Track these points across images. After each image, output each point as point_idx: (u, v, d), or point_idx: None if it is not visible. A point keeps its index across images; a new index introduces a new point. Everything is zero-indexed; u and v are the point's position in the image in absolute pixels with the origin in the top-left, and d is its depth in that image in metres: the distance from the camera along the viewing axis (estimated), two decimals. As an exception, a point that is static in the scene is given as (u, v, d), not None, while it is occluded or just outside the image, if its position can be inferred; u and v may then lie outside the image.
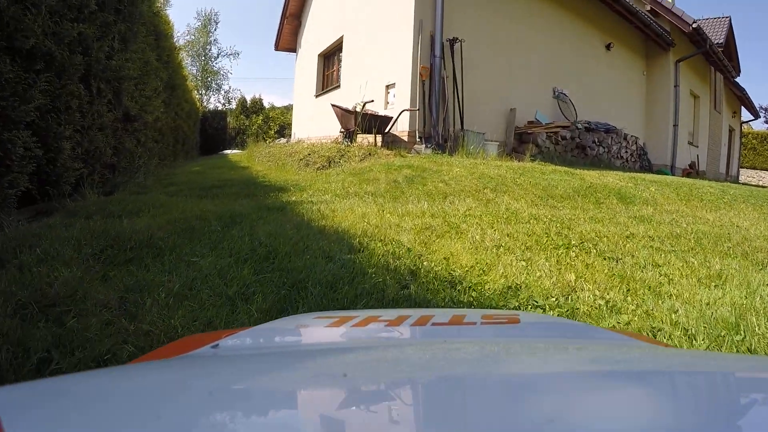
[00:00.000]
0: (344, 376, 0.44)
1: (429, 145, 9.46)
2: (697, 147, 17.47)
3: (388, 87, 10.64)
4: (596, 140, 12.18)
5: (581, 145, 12.28)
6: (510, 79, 11.67)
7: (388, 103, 10.66)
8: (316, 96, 15.34)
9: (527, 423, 0.35)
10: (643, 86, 15.56)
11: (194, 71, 31.91)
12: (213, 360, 0.62)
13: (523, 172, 7.98)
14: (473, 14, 10.65)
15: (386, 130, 9.60)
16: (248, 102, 31.52)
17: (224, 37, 75.64)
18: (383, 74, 10.54)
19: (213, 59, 33.14)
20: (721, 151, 21.21)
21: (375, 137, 9.41)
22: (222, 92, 33.38)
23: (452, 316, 0.85)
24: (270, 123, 27.73)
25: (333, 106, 9.92)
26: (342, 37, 13.49)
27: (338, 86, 13.58)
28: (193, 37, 32.43)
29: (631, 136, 13.56)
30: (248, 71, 79.85)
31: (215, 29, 33.64)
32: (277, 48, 19.08)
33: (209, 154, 21.75)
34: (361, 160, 8.21)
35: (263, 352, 0.68)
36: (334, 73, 14.79)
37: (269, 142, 17.23)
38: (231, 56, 34.90)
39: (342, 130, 9.73)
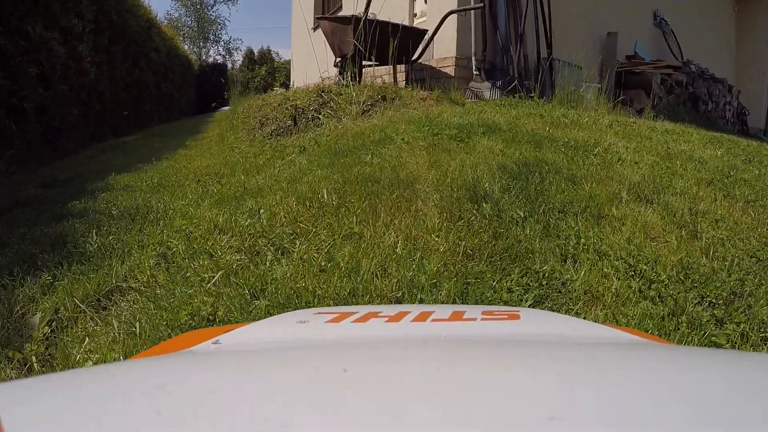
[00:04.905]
0: (344, 372, 0.41)
1: (496, 83, 4.68)
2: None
3: (415, -14, 5.77)
4: (707, 91, 8.32)
5: (695, 95, 8.06)
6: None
7: (415, 15, 5.80)
8: (314, 28, 10.38)
9: (529, 419, 0.32)
10: (732, 26, 10.67)
11: (189, 22, 26.67)
12: (214, 356, 0.57)
13: (730, 149, 3.39)
14: None
15: (415, 57, 4.84)
16: (256, 54, 26.65)
17: None
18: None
19: (209, 8, 27.55)
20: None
21: (394, 68, 4.67)
22: (222, 43, 28.13)
23: (452, 312, 0.77)
24: (276, 74, 22.93)
25: (319, 20, 5.14)
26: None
27: (340, 7, 8.70)
28: None
29: (736, 89, 9.20)
30: (258, 20, 71.54)
31: None
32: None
33: (207, 112, 17.85)
34: (362, 113, 3.57)
35: (264, 348, 0.62)
36: (337, -6, 9.85)
37: (259, 95, 12.48)
38: (229, 2, 29.08)
39: (337, 59, 4.95)
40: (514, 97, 4.48)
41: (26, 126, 5.12)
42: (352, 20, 4.34)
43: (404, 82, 4.95)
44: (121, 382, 0.44)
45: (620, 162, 2.81)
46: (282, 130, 4.03)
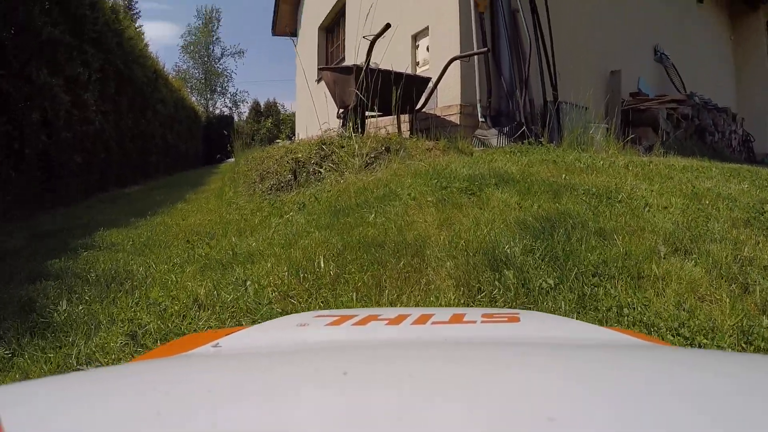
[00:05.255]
0: (344, 375, 0.40)
1: (502, 130, 4.49)
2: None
3: (416, 37, 5.73)
4: (712, 122, 8.24)
5: (701, 127, 7.90)
6: (602, 28, 6.72)
7: (417, 64, 5.72)
8: (318, 80, 10.47)
9: (528, 420, 0.31)
10: (729, 54, 10.70)
11: (197, 74, 27.33)
12: (213, 359, 0.57)
13: (754, 182, 3.09)
14: None
15: (419, 105, 4.69)
16: (262, 106, 27.21)
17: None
18: (407, 18, 5.61)
19: (216, 60, 28.26)
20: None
21: (398, 118, 4.50)
22: (228, 95, 28.69)
23: (452, 315, 0.77)
24: (282, 126, 23.26)
25: (321, 70, 5.07)
26: (345, -8, 8.68)
27: (343, 59, 8.77)
28: (194, 37, 27.61)
29: (740, 117, 9.15)
30: (264, 73, 73.08)
31: (217, 27, 28.50)
32: (274, 32, 14.30)
33: (213, 163, 18.02)
34: (366, 166, 3.36)
35: (264, 351, 0.62)
36: (339, 46, 9.98)
37: (264, 147, 12.48)
38: (236, 55, 28.86)
39: (339, 110, 4.80)
40: (522, 143, 4.27)
41: (27, 172, 4.98)
42: (354, 70, 4.21)
43: (408, 133, 4.78)
44: (120, 383, 0.44)
45: (648, 208, 2.53)
46: (282, 184, 3.82)
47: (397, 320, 0.72)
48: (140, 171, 10.18)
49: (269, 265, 2.03)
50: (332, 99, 4.99)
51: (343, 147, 3.70)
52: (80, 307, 1.92)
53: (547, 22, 5.22)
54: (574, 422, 0.31)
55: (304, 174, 3.72)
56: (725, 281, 1.86)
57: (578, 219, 2.25)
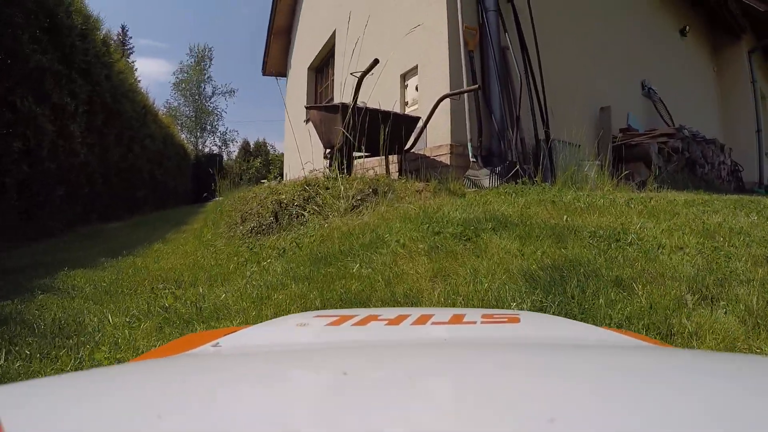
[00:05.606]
0: (344, 375, 0.40)
1: (495, 170, 4.30)
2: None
3: (404, 76, 5.63)
4: (701, 154, 8.21)
5: (691, 160, 7.77)
6: (590, 65, 6.73)
7: (406, 103, 5.60)
8: (306, 121, 10.38)
9: (529, 421, 0.31)
10: (713, 85, 10.81)
11: (188, 112, 27.39)
12: (214, 358, 0.57)
13: (761, 212, 2.87)
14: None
15: (408, 145, 4.51)
16: (251, 145, 27.27)
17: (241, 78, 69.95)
18: (396, 57, 5.52)
19: (208, 99, 28.24)
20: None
21: (386, 158, 4.29)
22: (218, 134, 28.72)
23: (452, 315, 0.76)
24: (271, 167, 23.22)
25: (308, 109, 4.92)
26: (334, 33, 8.75)
27: (331, 99, 8.71)
28: (186, 75, 27.69)
29: (727, 147, 9.15)
30: (254, 112, 73.49)
31: (209, 66, 28.68)
32: (264, 72, 14.35)
33: (201, 202, 17.89)
34: (351, 209, 3.11)
35: (264, 351, 0.62)
36: (328, 86, 9.97)
37: (250, 186, 12.29)
38: (226, 94, 28.79)
39: (326, 151, 4.61)
40: (516, 183, 4.07)
41: (5, 202, 4.67)
42: (340, 108, 4.04)
43: (397, 173, 4.57)
44: (121, 384, 0.43)
45: (662, 249, 2.30)
46: (263, 227, 3.56)
47: (397, 321, 0.71)
48: (126, 206, 9.91)
49: (236, 324, 1.75)
50: (319, 139, 4.80)
51: (328, 188, 3.46)
52: (17, 364, 1.64)
53: (537, 60, 5.15)
54: (575, 423, 0.30)
55: (287, 217, 3.46)
56: (763, 330, 1.62)
57: (589, 267, 2.00)
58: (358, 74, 3.80)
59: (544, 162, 4.68)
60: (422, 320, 0.71)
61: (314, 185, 3.66)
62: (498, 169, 4.37)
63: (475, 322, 0.71)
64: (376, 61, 3.49)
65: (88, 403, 0.36)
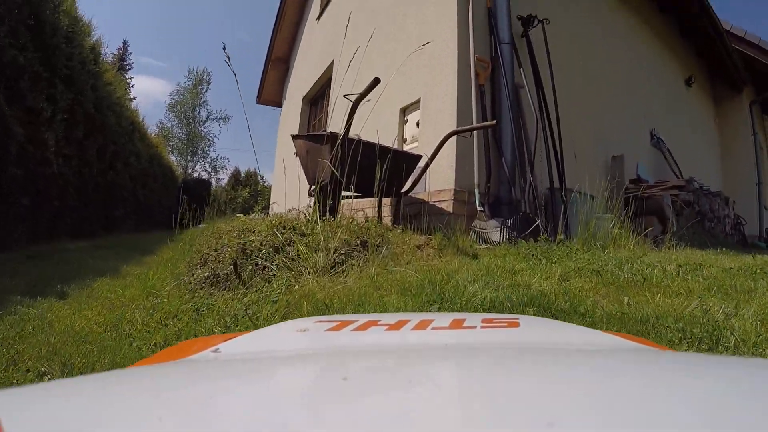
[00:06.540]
0: (344, 380, 0.40)
1: (505, 222, 3.62)
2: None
3: (405, 111, 5.02)
4: (709, 207, 7.98)
5: (701, 213, 7.48)
6: (601, 110, 6.25)
7: (405, 140, 4.97)
8: (295, 154, 9.74)
9: (528, 425, 0.30)
10: (715, 137, 10.68)
11: (180, 134, 26.73)
12: (214, 364, 0.56)
13: None
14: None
15: (407, 188, 3.83)
16: (242, 174, 26.60)
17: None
18: (396, 90, 4.92)
19: (201, 123, 27.42)
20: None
21: (379, 201, 3.60)
22: (209, 159, 28.02)
23: (452, 320, 0.76)
24: (259, 198, 22.49)
25: (294, 138, 4.25)
26: (332, 64, 8.23)
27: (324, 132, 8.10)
28: (182, 97, 26.95)
29: (731, 200, 8.88)
30: (247, 141, 73.32)
31: (206, 90, 27.99)
32: (259, 100, 13.81)
33: (184, 227, 16.92)
34: (332, 266, 2.37)
35: (264, 356, 0.61)
36: (321, 119, 9.42)
37: (231, 217, 11.54)
38: (220, 120, 28.06)
39: (311, 188, 3.90)
40: (534, 240, 3.38)
41: None
42: (328, 138, 3.37)
43: (392, 219, 3.87)
44: (121, 388, 0.43)
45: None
46: (220, 277, 2.80)
47: (398, 326, 0.70)
48: (102, 224, 9.09)
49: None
50: (304, 173, 4.12)
51: (304, 236, 2.73)
52: None
53: (554, 100, 4.58)
54: (574, 427, 0.30)
55: (250, 267, 2.71)
56: None
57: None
58: (353, 97, 3.15)
59: (564, 214, 4.02)
60: (422, 325, 0.70)
61: (289, 229, 2.93)
62: (510, 221, 3.70)
63: (475, 327, 0.70)
64: (376, 81, 2.86)
65: (88, 407, 0.35)
